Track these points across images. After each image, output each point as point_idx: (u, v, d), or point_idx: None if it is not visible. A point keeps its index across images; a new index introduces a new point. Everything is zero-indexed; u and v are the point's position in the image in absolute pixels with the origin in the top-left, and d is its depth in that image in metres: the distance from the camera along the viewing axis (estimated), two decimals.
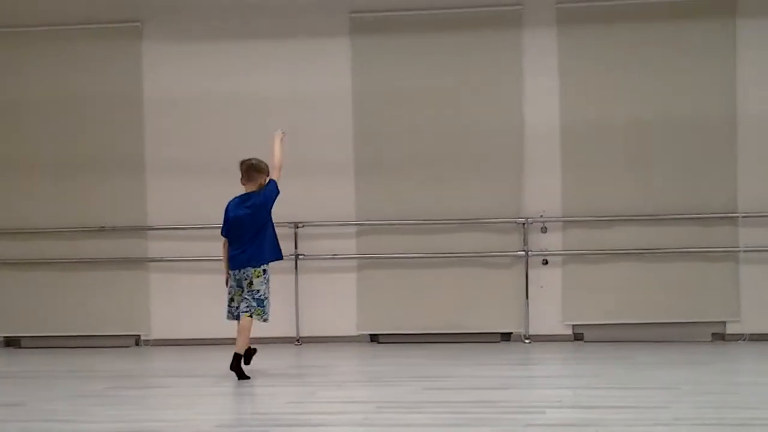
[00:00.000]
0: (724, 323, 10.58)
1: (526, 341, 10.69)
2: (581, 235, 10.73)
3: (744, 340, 10.48)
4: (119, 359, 10.29)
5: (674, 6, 10.61)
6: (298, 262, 10.89)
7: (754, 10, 10.50)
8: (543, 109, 10.73)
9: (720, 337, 10.59)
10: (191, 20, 11.12)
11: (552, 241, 10.77)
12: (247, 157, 8.89)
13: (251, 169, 8.79)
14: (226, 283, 8.89)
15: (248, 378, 8.55)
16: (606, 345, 10.39)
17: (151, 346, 11.16)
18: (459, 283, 10.81)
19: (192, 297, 11.05)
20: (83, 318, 11.17)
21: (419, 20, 10.89)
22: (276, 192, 8.82)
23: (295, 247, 10.83)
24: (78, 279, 11.20)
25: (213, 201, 10.81)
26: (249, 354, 8.87)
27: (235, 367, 8.56)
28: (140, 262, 11.20)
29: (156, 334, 11.19)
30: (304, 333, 10.94)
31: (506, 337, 10.86)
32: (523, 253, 10.72)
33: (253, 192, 8.82)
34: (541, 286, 10.75)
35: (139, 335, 11.24)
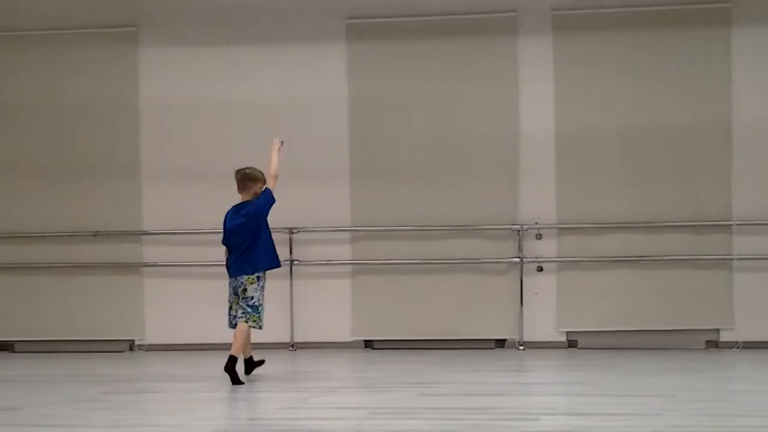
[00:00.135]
0: (718, 331, 10.60)
1: (521, 348, 10.69)
2: (576, 242, 10.74)
3: (738, 347, 10.50)
4: (114, 364, 10.27)
5: (669, 14, 10.64)
6: (293, 267, 10.89)
7: (749, 19, 10.53)
8: (538, 115, 10.75)
9: (714, 344, 10.61)
10: (187, 25, 11.12)
11: (547, 247, 10.78)
12: (242, 167, 8.94)
13: (245, 178, 8.86)
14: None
15: (242, 383, 8.56)
16: (600, 352, 10.40)
17: (146, 351, 11.15)
18: (453, 290, 10.81)
19: (186, 302, 11.05)
20: (78, 323, 11.15)
21: (415, 27, 10.91)
22: (270, 201, 8.86)
23: (290, 253, 10.84)
24: (73, 283, 11.19)
25: (208, 206, 10.86)
26: (252, 364, 8.94)
27: (229, 369, 8.55)
28: (135, 267, 11.19)
29: (150, 339, 11.18)
30: (298, 338, 10.94)
31: (501, 343, 10.86)
32: (518, 259, 10.73)
33: (248, 201, 8.88)
34: (536, 293, 10.76)
35: (133, 340, 11.23)
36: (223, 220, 9.03)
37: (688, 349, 10.51)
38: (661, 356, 10.03)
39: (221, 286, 10.72)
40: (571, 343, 10.79)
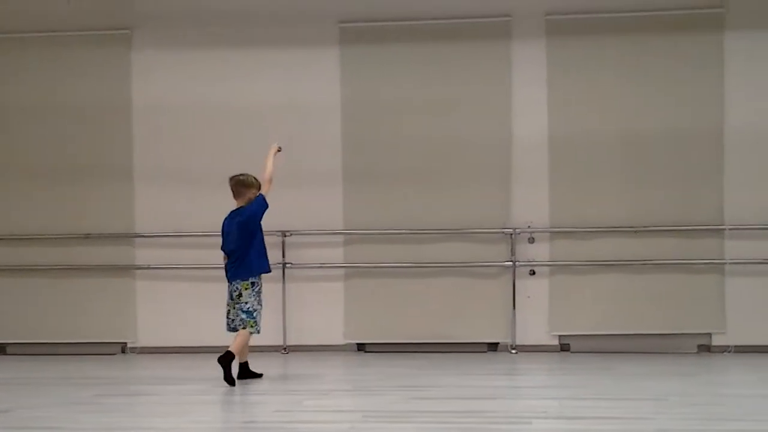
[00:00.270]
0: (709, 335, 10.62)
1: (513, 351, 10.70)
2: (568, 246, 10.76)
3: (729, 351, 10.52)
4: (106, 367, 10.26)
5: (663, 19, 10.66)
6: (286, 270, 10.89)
7: (742, 23, 10.55)
8: (531, 120, 10.76)
9: (706, 348, 10.63)
10: (181, 28, 11.12)
11: (539, 251, 10.80)
12: (236, 173, 9.04)
13: (239, 184, 8.96)
14: None
15: (233, 384, 8.56)
16: (592, 356, 10.42)
17: (138, 353, 11.14)
18: (446, 293, 10.82)
19: (179, 305, 11.04)
20: (70, 325, 11.13)
21: (408, 30, 10.92)
22: (263, 206, 8.92)
23: (283, 256, 10.84)
24: (65, 286, 11.17)
25: (200, 209, 10.88)
26: (247, 371, 8.95)
27: (224, 362, 8.55)
28: (127, 270, 11.18)
29: (142, 342, 11.16)
30: (291, 341, 10.94)
31: (493, 347, 10.87)
32: (511, 263, 10.74)
33: (242, 207, 8.96)
34: (528, 297, 10.77)
35: (125, 343, 11.22)
36: (221, 225, 9.12)
37: (680, 353, 10.54)
38: (653, 360, 10.05)
39: (214, 288, 10.78)
40: (564, 347, 10.80)
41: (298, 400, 8.06)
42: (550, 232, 10.78)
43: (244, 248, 8.87)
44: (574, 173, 10.72)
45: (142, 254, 11.16)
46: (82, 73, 11.19)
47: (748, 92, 10.53)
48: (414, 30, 10.92)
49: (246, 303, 8.83)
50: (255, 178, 8.96)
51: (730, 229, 10.55)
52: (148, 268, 11.13)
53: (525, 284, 10.77)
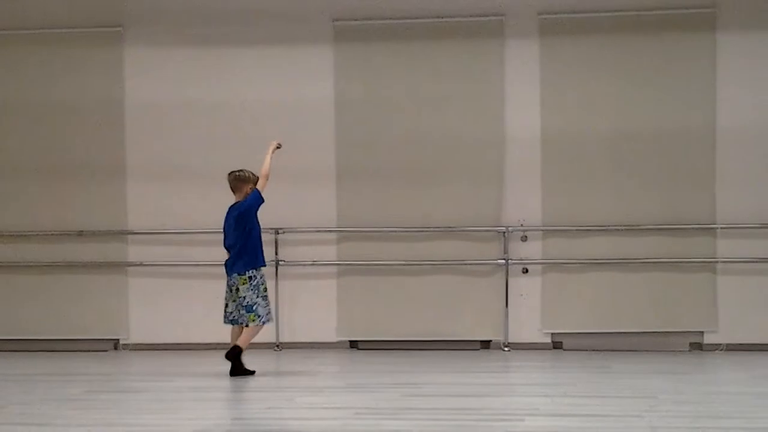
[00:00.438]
0: (701, 333, 10.66)
1: (506, 349, 10.72)
2: (561, 245, 10.78)
3: (721, 350, 10.55)
4: (98, 363, 10.26)
5: (655, 18, 10.69)
6: (279, 268, 10.89)
7: (734, 24, 10.58)
8: (524, 118, 10.78)
9: (698, 347, 10.66)
10: (173, 26, 11.11)
11: (532, 249, 10.82)
12: (234, 169, 9.15)
13: (236, 179, 9.11)
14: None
15: (252, 373, 8.87)
16: (584, 354, 10.44)
17: (130, 350, 11.14)
18: (439, 291, 10.84)
19: (171, 301, 11.05)
20: (62, 321, 11.13)
21: (402, 29, 10.93)
22: (259, 200, 9.02)
23: (276, 253, 10.84)
24: (57, 282, 11.16)
25: (192, 206, 10.89)
26: (240, 366, 8.97)
27: (231, 356, 8.84)
28: (120, 267, 11.17)
29: (134, 339, 11.16)
30: (284, 339, 10.95)
31: (486, 344, 10.89)
32: (503, 261, 10.76)
33: (239, 201, 9.09)
34: (521, 295, 10.79)
35: (117, 339, 11.21)
36: (221, 223, 9.27)
37: (672, 351, 10.57)
38: (645, 358, 10.07)
39: (206, 285, 10.82)
40: (556, 345, 10.82)
41: (291, 397, 8.06)
42: (543, 230, 10.79)
43: (242, 242, 8.98)
44: (566, 172, 10.74)
45: (135, 251, 11.16)
46: (74, 70, 11.18)
47: (740, 91, 10.56)
48: (407, 28, 10.93)
49: (244, 298, 8.91)
50: (252, 173, 9.09)
51: (722, 228, 10.58)
52: (141, 265, 11.13)
53: (518, 282, 10.79)
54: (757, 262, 10.53)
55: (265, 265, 9.15)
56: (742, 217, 10.54)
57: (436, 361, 9.95)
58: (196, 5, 11.07)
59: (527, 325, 10.79)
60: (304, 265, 10.95)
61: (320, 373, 9.50)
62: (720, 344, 10.57)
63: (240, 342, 8.92)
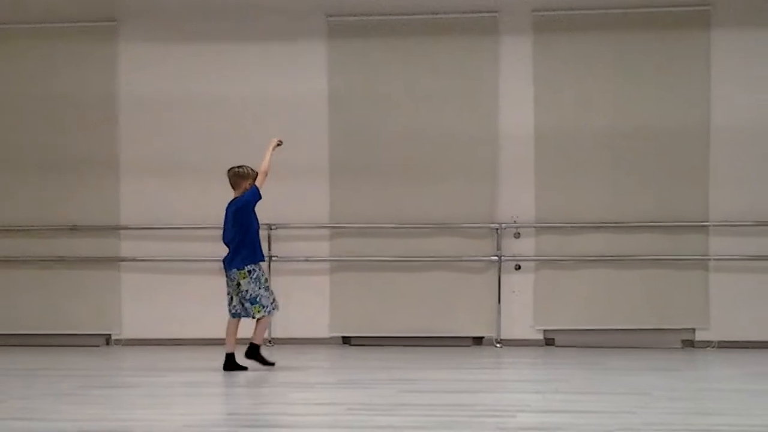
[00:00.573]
0: (693, 330, 10.68)
1: (498, 345, 10.73)
2: (554, 241, 10.79)
3: (713, 347, 10.57)
4: (90, 358, 10.25)
5: (649, 16, 10.69)
6: (272, 263, 10.88)
7: (729, 22, 10.59)
8: (518, 115, 10.79)
9: (689, 344, 10.69)
10: (167, 21, 11.10)
11: (525, 246, 10.83)
12: (234, 165, 9.18)
13: (235, 175, 9.15)
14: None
15: (273, 364, 9.02)
16: (576, 350, 10.45)
17: (122, 345, 11.13)
18: (432, 287, 10.84)
19: (163, 297, 11.04)
20: (54, 316, 11.12)
21: (396, 25, 10.93)
22: (256, 197, 9.07)
23: (269, 249, 10.83)
24: (50, 277, 11.15)
25: (185, 201, 10.89)
26: (263, 360, 9.09)
27: (252, 355, 8.98)
28: (112, 262, 11.16)
29: (127, 334, 11.15)
30: (276, 334, 10.94)
31: (478, 341, 10.90)
32: (496, 258, 10.77)
33: (237, 197, 9.13)
34: (514, 291, 10.80)
35: (110, 334, 11.21)
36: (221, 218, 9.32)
37: (664, 348, 10.59)
38: (637, 355, 10.09)
39: (198, 281, 10.83)
40: (548, 341, 10.84)
41: (283, 393, 8.06)
42: (536, 227, 10.81)
43: (239, 238, 9.02)
44: (560, 169, 10.75)
45: (128, 246, 11.15)
46: (68, 64, 11.16)
47: (734, 89, 10.58)
48: (401, 25, 10.92)
49: (246, 291, 8.97)
50: (252, 169, 9.12)
51: (714, 226, 10.60)
52: (134, 260, 11.12)
53: (510, 279, 10.80)
54: (749, 259, 10.55)
55: (263, 260, 9.20)
56: (734, 215, 10.57)
57: (429, 358, 9.96)
58: (190, 1, 11.05)
59: (520, 322, 10.80)
60: (298, 261, 10.95)
61: (313, 368, 9.50)
62: (711, 341, 10.59)
63: (255, 339, 9.05)
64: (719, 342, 10.57)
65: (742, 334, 10.54)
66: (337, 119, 10.97)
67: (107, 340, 11.21)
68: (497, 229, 10.76)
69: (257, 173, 9.08)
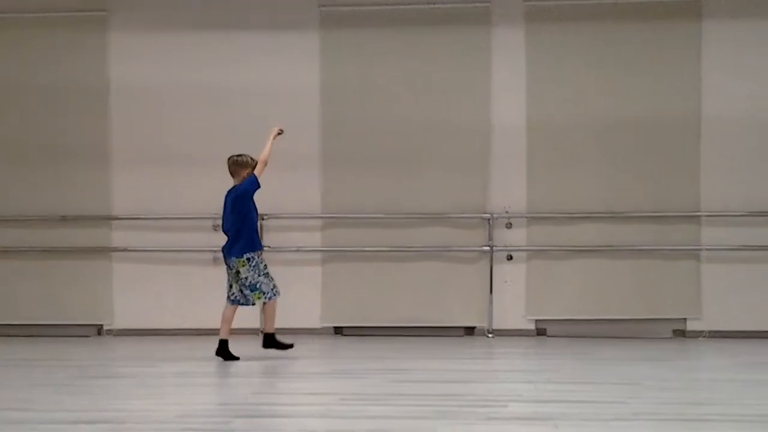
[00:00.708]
0: (684, 320, 10.71)
1: (490, 335, 10.75)
2: (546, 232, 10.81)
3: (704, 337, 10.60)
4: (81, 349, 10.24)
5: (641, 6, 10.71)
6: (264, 253, 10.85)
7: (720, 12, 10.61)
8: (510, 105, 10.80)
9: (681, 333, 10.72)
10: (158, 10, 11.07)
11: (517, 236, 10.84)
12: (234, 154, 9.16)
13: (235, 164, 9.15)
14: None
15: (291, 347, 9.07)
16: (568, 340, 10.48)
17: (114, 335, 11.12)
18: (423, 277, 10.85)
19: (155, 287, 11.03)
20: (45, 307, 11.10)
21: (388, 15, 10.91)
22: (254, 185, 9.07)
23: (261, 239, 10.80)
24: (41, 268, 11.12)
25: (177, 192, 10.87)
26: (273, 341, 9.16)
27: (269, 344, 9.06)
28: (104, 252, 11.14)
29: (118, 324, 11.14)
30: None
31: (470, 331, 10.91)
32: (488, 248, 10.78)
33: (236, 186, 9.14)
34: (506, 281, 10.82)
35: (101, 325, 11.19)
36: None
37: (655, 338, 10.61)
38: (629, 345, 10.11)
39: (190, 271, 10.84)
40: (540, 332, 10.86)
41: (275, 383, 8.06)
42: (528, 217, 10.82)
43: (237, 227, 9.03)
44: (551, 159, 10.76)
45: (119, 236, 11.13)
46: (58, 54, 11.13)
47: (725, 79, 10.60)
48: (393, 15, 10.91)
49: (246, 278, 9.00)
50: (251, 158, 9.12)
51: (706, 216, 10.62)
52: (125, 250, 11.10)
53: (502, 269, 10.81)
54: (740, 249, 10.58)
55: (262, 248, 9.19)
56: (726, 205, 10.59)
57: (421, 348, 9.97)
58: None
59: (511, 312, 10.82)
60: (289, 251, 10.94)
61: (305, 358, 9.49)
62: (703, 331, 10.63)
63: (267, 329, 9.12)
64: (711, 332, 10.60)
65: (733, 324, 10.58)
66: (329, 109, 10.96)
67: (98, 330, 11.20)
68: (489, 219, 10.77)
69: (257, 162, 9.07)
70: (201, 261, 10.90)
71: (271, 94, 10.94)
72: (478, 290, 10.81)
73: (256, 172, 9.05)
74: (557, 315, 10.79)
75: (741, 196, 10.57)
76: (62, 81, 11.09)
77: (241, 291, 9.05)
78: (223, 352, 9.00)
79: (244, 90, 10.96)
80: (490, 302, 10.78)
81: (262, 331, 9.18)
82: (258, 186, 9.05)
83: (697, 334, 10.62)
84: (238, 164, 9.09)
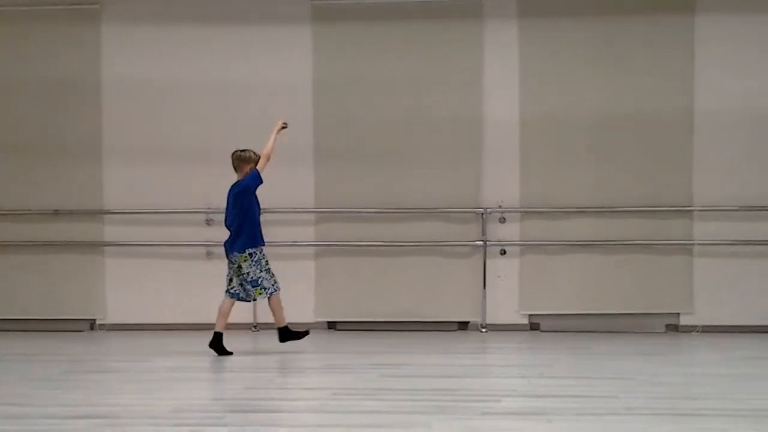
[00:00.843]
0: (677, 315, 10.73)
1: (483, 330, 10.76)
2: (539, 226, 10.81)
3: (697, 331, 10.63)
4: (74, 343, 10.22)
5: (634, 1, 10.71)
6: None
7: (713, 7, 10.61)
8: (503, 100, 10.79)
9: (674, 328, 10.74)
10: (151, 4, 11.04)
11: (510, 231, 10.85)
12: (239, 148, 9.15)
13: (238, 159, 9.14)
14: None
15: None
16: (561, 335, 10.49)
17: (107, 330, 11.10)
18: (417, 272, 10.85)
19: (148, 282, 11.01)
20: (37, 302, 11.07)
21: (381, 9, 10.90)
22: (256, 180, 9.06)
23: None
24: (33, 262, 11.09)
25: (169, 186, 10.86)
26: (289, 333, 9.22)
27: (285, 337, 9.12)
28: (96, 246, 11.12)
29: (111, 319, 11.12)
30: (261, 319, 10.90)
31: (463, 326, 10.92)
32: (482, 243, 10.78)
33: (239, 180, 9.12)
34: (499, 276, 10.82)
35: (94, 319, 11.17)
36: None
37: (648, 332, 10.63)
38: (622, 339, 10.13)
39: (183, 266, 10.81)
40: (534, 326, 10.87)
41: (268, 378, 8.06)
42: (521, 212, 10.82)
43: (239, 221, 9.01)
44: (544, 154, 10.76)
45: (111, 231, 11.10)
46: (50, 48, 11.08)
47: (718, 74, 10.61)
48: (386, 9, 10.89)
49: (248, 274, 9.00)
50: (255, 153, 9.11)
51: (699, 211, 10.64)
52: (118, 244, 11.08)
53: (496, 264, 10.82)
54: (733, 244, 10.60)
55: (263, 244, 9.14)
56: (718, 200, 10.61)
57: (414, 343, 9.97)
58: None
59: (505, 307, 10.83)
60: (283, 245, 10.93)
61: (298, 353, 9.49)
62: (696, 326, 10.65)
63: (278, 322, 9.14)
64: (703, 326, 10.63)
65: (726, 319, 10.61)
66: (322, 103, 10.94)
67: (91, 325, 11.18)
68: (482, 214, 10.77)
69: (260, 157, 9.06)
70: (194, 255, 10.89)
71: (263, 88, 10.92)
72: (471, 285, 10.82)
73: (258, 166, 9.04)
74: (551, 310, 10.80)
75: (734, 191, 10.59)
76: (54, 75, 11.05)
77: (242, 286, 9.04)
78: (217, 345, 9.00)
79: (236, 84, 10.95)
80: (484, 297, 10.79)
81: (278, 328, 9.13)
82: (260, 181, 9.04)
83: (690, 329, 10.64)
84: (242, 159, 9.08)
